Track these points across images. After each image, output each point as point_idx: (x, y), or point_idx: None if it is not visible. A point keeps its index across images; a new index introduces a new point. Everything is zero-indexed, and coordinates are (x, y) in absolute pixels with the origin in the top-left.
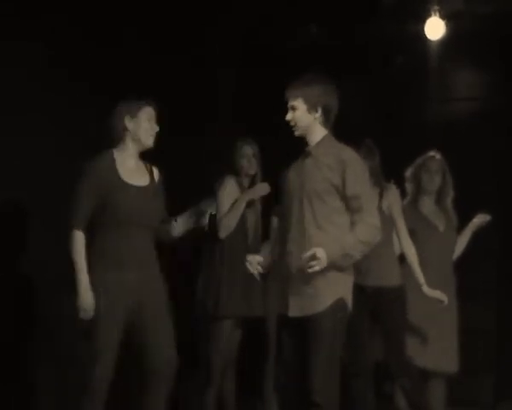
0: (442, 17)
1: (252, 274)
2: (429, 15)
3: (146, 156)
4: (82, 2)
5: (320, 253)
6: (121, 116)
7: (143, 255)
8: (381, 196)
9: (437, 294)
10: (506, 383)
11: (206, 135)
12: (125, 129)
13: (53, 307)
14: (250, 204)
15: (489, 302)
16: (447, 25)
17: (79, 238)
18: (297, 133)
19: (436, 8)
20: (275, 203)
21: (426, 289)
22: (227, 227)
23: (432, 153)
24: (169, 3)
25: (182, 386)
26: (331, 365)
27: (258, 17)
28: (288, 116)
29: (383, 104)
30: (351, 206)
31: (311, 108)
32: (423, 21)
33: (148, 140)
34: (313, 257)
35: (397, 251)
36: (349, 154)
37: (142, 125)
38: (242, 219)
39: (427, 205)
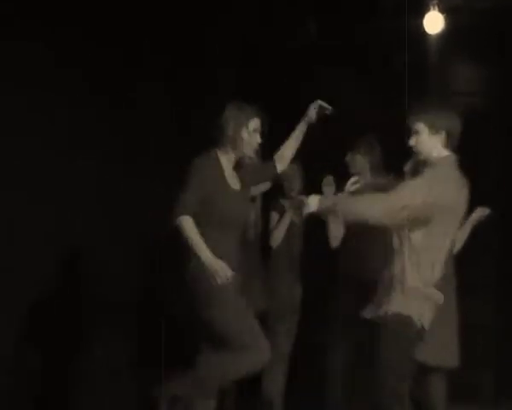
0: (441, 11)
1: (253, 269)
2: (428, 10)
3: (148, 153)
4: (82, 1)
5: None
6: (231, 122)
7: (236, 256)
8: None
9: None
10: (506, 379)
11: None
12: (232, 135)
13: None
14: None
15: (488, 297)
16: (446, 19)
17: (189, 220)
18: (421, 158)
19: (435, 2)
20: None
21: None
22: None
23: None
24: (169, 3)
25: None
26: None
27: (259, 17)
28: (412, 141)
29: (383, 99)
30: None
31: (434, 131)
32: (422, 16)
33: (250, 151)
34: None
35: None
36: None
37: (248, 136)
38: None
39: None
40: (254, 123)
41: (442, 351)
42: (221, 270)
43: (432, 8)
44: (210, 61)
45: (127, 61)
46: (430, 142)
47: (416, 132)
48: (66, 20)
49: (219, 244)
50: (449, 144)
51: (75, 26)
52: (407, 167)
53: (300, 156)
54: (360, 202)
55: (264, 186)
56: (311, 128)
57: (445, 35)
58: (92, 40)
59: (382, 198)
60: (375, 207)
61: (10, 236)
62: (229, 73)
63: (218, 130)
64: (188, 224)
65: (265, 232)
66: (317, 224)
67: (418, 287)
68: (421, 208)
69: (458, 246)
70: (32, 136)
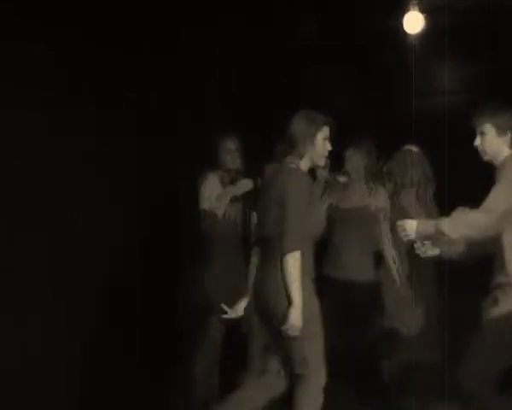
0: (421, 11)
1: (241, 269)
2: (408, 10)
3: (144, 154)
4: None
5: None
6: (303, 133)
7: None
8: (369, 194)
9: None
10: None
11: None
12: (305, 146)
13: None
14: (233, 200)
15: None
16: (426, 19)
17: (298, 257)
18: (486, 158)
19: (415, 2)
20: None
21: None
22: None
23: (409, 146)
24: (169, 3)
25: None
26: None
27: (259, 17)
28: (477, 141)
29: (369, 100)
30: None
31: (501, 132)
32: (402, 16)
33: (321, 160)
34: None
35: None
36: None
37: (319, 146)
38: (229, 216)
39: (407, 199)
40: (324, 131)
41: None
42: (298, 327)
43: (412, 8)
44: (210, 61)
45: (126, 61)
46: (497, 143)
47: (482, 133)
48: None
49: (309, 260)
50: None
51: (73, 25)
52: (386, 168)
53: None
54: (462, 220)
55: (247, 186)
56: None
57: (426, 35)
58: (91, 40)
59: (483, 212)
60: (480, 224)
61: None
62: (229, 73)
63: (288, 142)
64: (297, 261)
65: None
66: None
67: None
68: None
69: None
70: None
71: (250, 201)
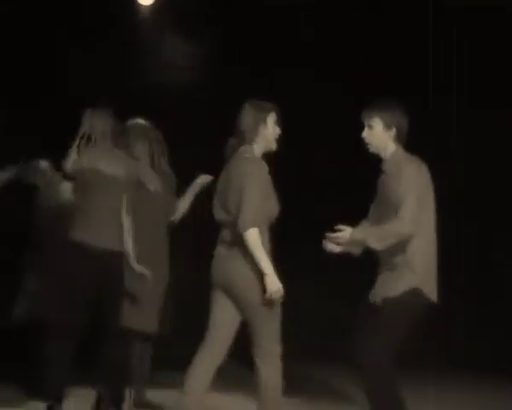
0: None
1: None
2: None
3: None
4: None
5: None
6: (253, 118)
7: None
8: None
9: (142, 269)
10: None
11: None
12: (257, 131)
13: None
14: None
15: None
16: None
17: (256, 232)
18: (371, 150)
19: None
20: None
21: (134, 264)
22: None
23: (136, 119)
24: None
25: None
26: None
27: None
28: (364, 133)
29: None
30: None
31: (388, 127)
32: None
33: (273, 144)
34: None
35: None
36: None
37: (270, 130)
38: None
39: (142, 168)
40: (272, 116)
41: (150, 318)
42: (279, 289)
43: None
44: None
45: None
46: (383, 137)
47: (370, 126)
48: None
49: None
50: (398, 139)
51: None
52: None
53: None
54: (386, 233)
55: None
56: None
57: (159, 7)
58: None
59: (403, 221)
60: (402, 232)
61: None
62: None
63: (241, 131)
64: (256, 236)
65: None
66: None
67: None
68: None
69: (180, 213)
70: None
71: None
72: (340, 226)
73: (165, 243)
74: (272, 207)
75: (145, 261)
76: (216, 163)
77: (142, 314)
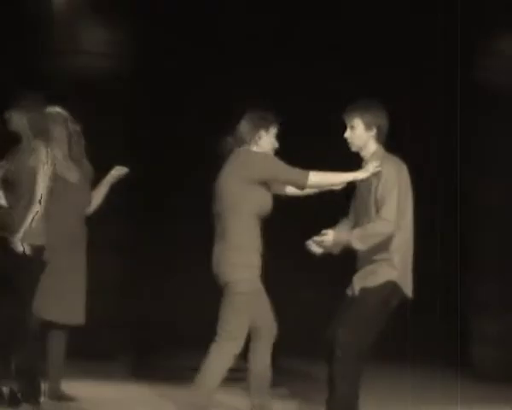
0: None
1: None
2: None
3: None
4: None
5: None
6: (255, 127)
7: None
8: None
9: (22, 248)
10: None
11: None
12: (256, 140)
13: None
14: None
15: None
16: None
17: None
18: (354, 149)
19: None
20: None
21: (17, 243)
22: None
23: (53, 108)
24: None
25: None
26: None
27: None
28: (347, 134)
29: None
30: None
31: (368, 127)
32: None
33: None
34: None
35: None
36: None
37: (270, 141)
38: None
39: (59, 153)
40: (271, 131)
41: (69, 310)
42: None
43: None
44: None
45: None
46: (364, 136)
47: (352, 127)
48: None
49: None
50: (379, 139)
51: None
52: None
53: None
54: (369, 232)
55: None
56: None
57: None
58: None
59: (385, 221)
60: (384, 232)
61: None
62: None
63: (243, 134)
64: (312, 175)
65: None
66: None
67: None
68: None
69: (96, 204)
70: None
71: None
72: (324, 230)
73: (84, 234)
74: (266, 202)
75: (63, 252)
76: (133, 152)
77: (63, 307)
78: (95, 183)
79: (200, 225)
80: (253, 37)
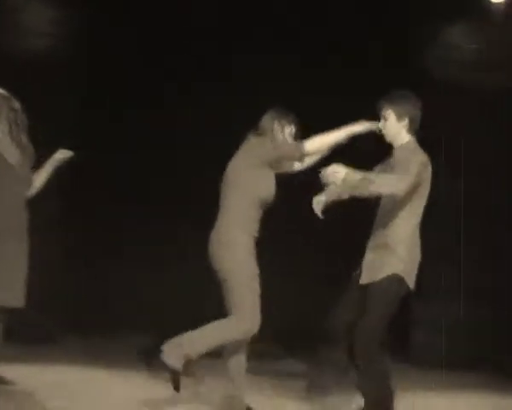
0: None
1: None
2: None
3: None
4: None
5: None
6: (273, 121)
7: None
8: None
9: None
10: None
11: None
12: (271, 132)
13: None
14: None
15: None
16: None
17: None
18: (388, 140)
19: None
20: None
21: None
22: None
23: None
24: None
25: None
26: None
27: None
28: (381, 125)
29: None
30: None
31: (400, 118)
32: None
33: None
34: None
35: None
36: (413, 155)
37: (285, 139)
38: None
39: (1, 139)
40: (288, 129)
41: (7, 291)
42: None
43: None
44: None
45: None
46: (396, 127)
47: (385, 118)
48: None
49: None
50: (411, 129)
51: None
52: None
53: None
54: (387, 181)
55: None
56: None
57: None
58: None
59: (404, 177)
60: (399, 186)
61: None
62: None
63: (262, 128)
64: (309, 142)
65: None
66: None
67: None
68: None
69: (35, 188)
70: None
71: None
72: (334, 165)
73: (23, 216)
74: (269, 189)
75: (2, 234)
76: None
77: (2, 289)
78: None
79: (143, 205)
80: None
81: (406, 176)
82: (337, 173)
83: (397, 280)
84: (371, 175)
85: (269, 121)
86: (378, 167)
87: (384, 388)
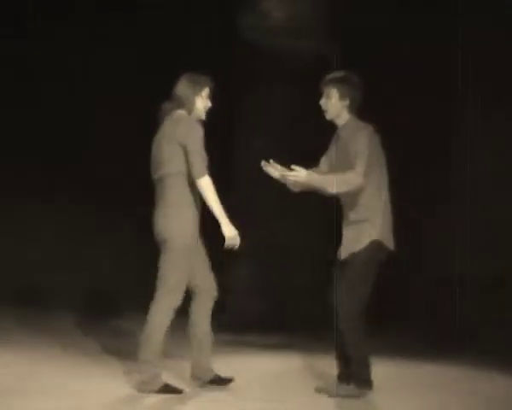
0: None
1: None
2: None
3: None
4: None
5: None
6: (189, 89)
7: None
8: None
9: None
10: None
11: None
12: (190, 101)
13: None
14: None
15: None
16: None
17: (210, 180)
18: (328, 117)
19: None
20: None
21: None
22: None
23: None
24: None
25: None
26: None
27: None
28: (322, 101)
29: None
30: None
31: (342, 97)
32: None
33: (203, 115)
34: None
35: None
36: (358, 132)
37: (204, 102)
38: None
39: None
40: (205, 91)
41: None
42: (235, 236)
43: None
44: None
45: None
46: (338, 106)
47: (328, 96)
48: None
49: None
50: (352, 109)
51: None
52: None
53: None
54: (342, 180)
55: None
56: None
57: None
58: None
59: (357, 174)
60: (355, 183)
61: None
62: None
63: (177, 98)
64: (209, 182)
65: None
66: None
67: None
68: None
69: None
70: None
71: None
72: (296, 167)
73: None
74: None
75: None
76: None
77: None
78: None
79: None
80: None
81: (358, 168)
82: (298, 178)
83: (376, 245)
84: (329, 177)
85: (185, 90)
86: (330, 151)
87: (364, 348)
